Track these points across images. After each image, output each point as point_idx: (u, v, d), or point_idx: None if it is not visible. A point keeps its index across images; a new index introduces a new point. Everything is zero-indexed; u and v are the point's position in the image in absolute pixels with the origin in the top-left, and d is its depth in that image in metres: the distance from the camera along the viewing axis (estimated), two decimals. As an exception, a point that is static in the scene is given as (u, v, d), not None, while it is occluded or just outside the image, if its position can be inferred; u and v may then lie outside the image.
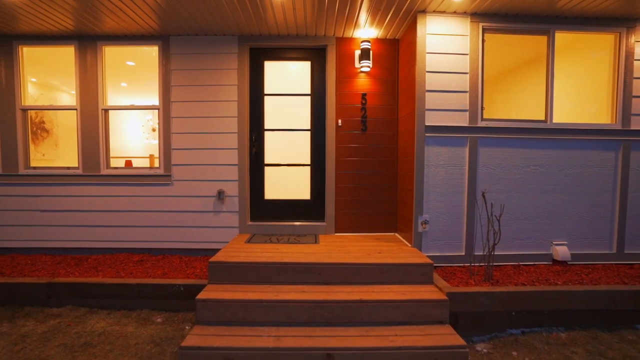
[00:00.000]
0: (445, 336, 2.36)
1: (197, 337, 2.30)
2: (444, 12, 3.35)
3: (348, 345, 2.24)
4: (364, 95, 3.99)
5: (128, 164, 6.01)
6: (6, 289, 3.00)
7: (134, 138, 8.45)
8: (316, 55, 4.08)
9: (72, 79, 3.96)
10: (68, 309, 2.99)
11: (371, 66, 3.94)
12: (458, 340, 2.31)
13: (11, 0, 3.11)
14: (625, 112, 3.50)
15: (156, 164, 6.88)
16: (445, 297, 2.59)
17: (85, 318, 2.87)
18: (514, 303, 2.70)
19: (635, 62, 3.47)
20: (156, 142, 8.90)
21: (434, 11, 3.34)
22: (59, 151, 6.51)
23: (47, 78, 5.81)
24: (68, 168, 4.01)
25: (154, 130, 8.68)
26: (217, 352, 2.18)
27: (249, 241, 3.60)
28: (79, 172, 3.97)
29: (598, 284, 2.94)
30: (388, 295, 2.62)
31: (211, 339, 2.28)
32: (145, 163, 7.87)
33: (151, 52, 4.31)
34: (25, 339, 2.54)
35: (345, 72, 4.00)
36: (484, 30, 3.41)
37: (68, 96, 6.77)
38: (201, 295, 2.56)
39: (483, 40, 3.42)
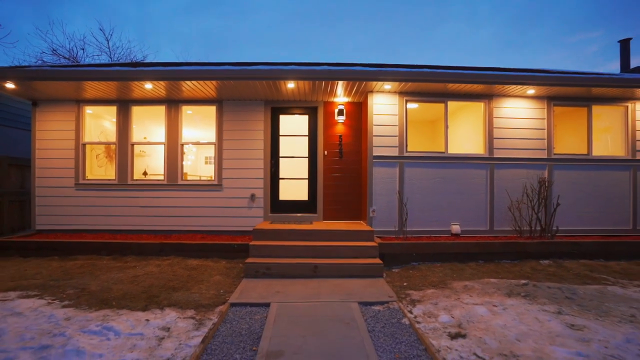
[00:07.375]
0: (374, 261, 4.75)
1: (252, 259, 4.68)
2: (383, 91, 5.94)
3: (326, 262, 4.63)
4: (340, 136, 6.53)
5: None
6: (139, 246, 5.40)
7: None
8: (311, 111, 6.64)
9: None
10: (172, 257, 5.36)
11: (345, 119, 6.49)
12: (379, 262, 4.70)
13: (143, 86, 5.68)
14: (490, 147, 6.03)
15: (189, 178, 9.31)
16: (377, 245, 5.00)
17: (184, 260, 5.24)
18: (414, 249, 5.11)
19: (494, 119, 6.04)
20: (186, 162, 11.44)
21: (377, 91, 5.93)
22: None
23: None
24: (158, 180, 6.47)
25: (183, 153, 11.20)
26: (262, 264, 4.55)
27: (271, 223, 6.01)
28: (165, 182, 6.42)
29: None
30: (348, 244, 5.02)
31: (258, 260, 4.66)
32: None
33: (204, 107, 6.80)
34: (159, 266, 4.92)
35: (329, 122, 6.56)
36: (406, 101, 5.99)
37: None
38: (251, 243, 4.96)
39: (406, 107, 5.99)
